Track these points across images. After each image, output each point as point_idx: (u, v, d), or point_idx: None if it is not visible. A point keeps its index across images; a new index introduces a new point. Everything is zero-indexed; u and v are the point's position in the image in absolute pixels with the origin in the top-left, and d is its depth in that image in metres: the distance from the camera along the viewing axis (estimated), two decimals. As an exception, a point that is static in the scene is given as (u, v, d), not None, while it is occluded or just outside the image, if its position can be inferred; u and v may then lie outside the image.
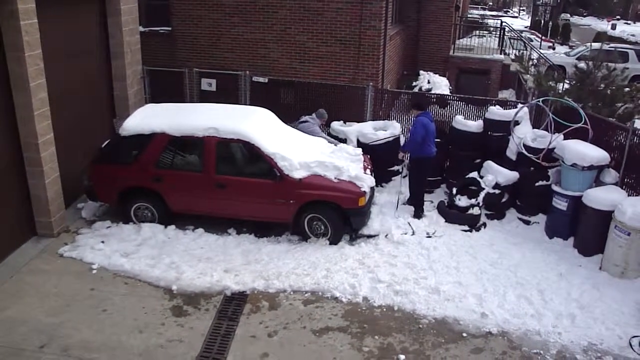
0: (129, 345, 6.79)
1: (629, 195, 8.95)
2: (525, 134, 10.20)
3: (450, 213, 9.86)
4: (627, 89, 12.22)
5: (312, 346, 6.91)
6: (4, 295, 7.58)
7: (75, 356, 6.58)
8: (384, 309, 7.61)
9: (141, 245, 8.73)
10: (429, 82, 16.38)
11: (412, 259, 8.59)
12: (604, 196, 8.79)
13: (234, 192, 8.90)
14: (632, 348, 7.06)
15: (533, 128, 10.65)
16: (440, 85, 16.15)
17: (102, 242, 8.81)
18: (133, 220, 9.36)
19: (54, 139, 8.82)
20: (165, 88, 12.42)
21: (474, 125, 10.84)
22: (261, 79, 12.25)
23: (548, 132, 9.93)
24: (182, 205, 9.22)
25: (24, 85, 8.20)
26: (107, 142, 9.79)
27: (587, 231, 9.01)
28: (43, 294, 7.66)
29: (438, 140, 10.33)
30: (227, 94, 12.07)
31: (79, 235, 9.08)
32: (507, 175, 10.03)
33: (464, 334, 7.21)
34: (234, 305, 7.59)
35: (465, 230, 9.62)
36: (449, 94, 14.63)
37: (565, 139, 9.71)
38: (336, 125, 11.22)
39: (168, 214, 9.29)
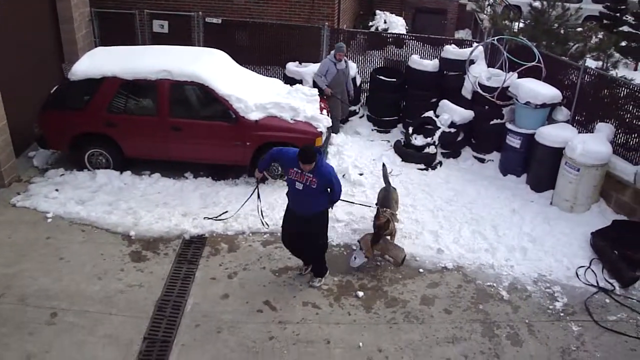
0: (88, 291, 6.77)
1: (579, 133, 9.17)
2: (481, 73, 10.27)
3: (407, 152, 9.97)
4: (580, 28, 12.37)
5: (271, 286, 7.01)
6: (-45, 248, 7.43)
7: (34, 305, 6.53)
8: (342, 248, 7.75)
9: (97, 192, 8.59)
10: (385, 22, 16.18)
11: (370, 198, 8.69)
12: (556, 133, 9.00)
13: (190, 136, 8.78)
14: (578, 277, 7.40)
15: (488, 67, 10.72)
16: (396, 25, 15.97)
17: (56, 190, 8.63)
18: (87, 167, 9.16)
19: (0, 86, 8.47)
20: (116, 31, 11.97)
21: (430, 64, 10.84)
22: (214, 20, 11.91)
23: (503, 70, 10.02)
24: (137, 150, 9.05)
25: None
26: (56, 87, 9.45)
27: (539, 168, 9.25)
28: (-4, 244, 7.53)
29: (394, 80, 10.32)
30: (180, 36, 11.72)
31: (31, 184, 8.87)
32: (463, 114, 10.13)
33: (421, 270, 7.42)
34: (193, 248, 7.61)
35: (422, 169, 9.77)
36: (405, 33, 14.53)
37: (519, 77, 9.82)
38: (291, 66, 11.07)
39: (123, 160, 9.12)
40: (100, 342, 6.09)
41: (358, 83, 11.23)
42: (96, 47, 11.12)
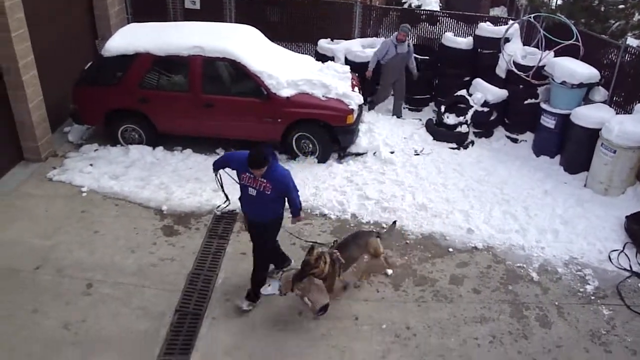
0: (122, 264, 6.91)
1: (617, 114, 8.96)
2: (516, 51, 10.07)
3: (439, 131, 9.88)
4: (621, 5, 11.97)
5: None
6: (-4, 219, 7.63)
7: (70, 276, 6.71)
8: (372, 226, 7.75)
9: (130, 167, 8.73)
10: (418, -1, 15.96)
11: (400, 176, 8.67)
12: (592, 114, 8.80)
13: (222, 112, 8.83)
14: (611, 261, 7.29)
15: (524, 45, 10.50)
16: (430, 1, 15.73)
17: (91, 165, 8.79)
18: (121, 143, 9.30)
19: (35, 62, 8.60)
20: (148, 7, 12.02)
21: (464, 42, 10.68)
22: (247, -4, 11.88)
23: (539, 49, 9.81)
24: (169, 126, 9.15)
25: (-2, 4, 7.92)
26: (89, 64, 9.57)
27: (573, 149, 9.09)
28: (34, 217, 7.71)
29: (426, 57, 10.18)
30: (211, 12, 11.71)
31: (66, 159, 9.04)
32: (496, 93, 9.98)
33: (450, 249, 7.39)
34: (223, 223, 7.69)
35: (453, 148, 9.68)
36: (439, 10, 14.28)
37: (555, 56, 9.61)
38: (323, 43, 11.01)
39: (156, 135, 9.23)
40: (134, 314, 6.24)
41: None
42: (129, 23, 11.20)
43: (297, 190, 6.10)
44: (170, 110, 8.96)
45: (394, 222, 7.09)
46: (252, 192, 5.90)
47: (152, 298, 6.44)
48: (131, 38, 9.12)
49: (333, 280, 6.26)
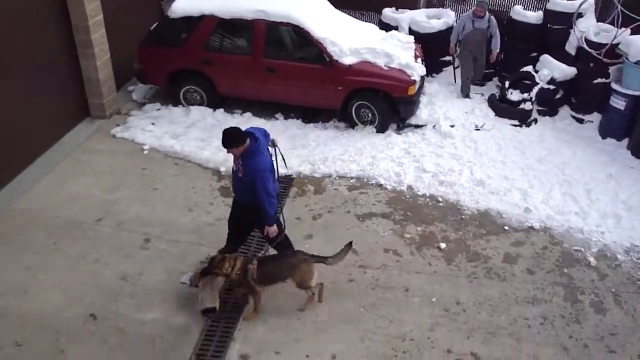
0: (179, 222, 7.10)
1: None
2: (589, 28, 9.64)
3: (501, 107, 9.64)
4: None
5: (355, 230, 7.10)
6: (62, 172, 7.96)
7: (129, 230, 6.95)
8: (428, 199, 7.70)
9: (190, 128, 8.89)
10: (488, -30, 15.47)
11: (459, 151, 8.55)
12: (667, 96, 8.41)
13: (283, 77, 8.87)
14: (676, 250, 7.02)
15: (597, 21, 10.06)
16: (500, -27, 15.23)
17: (153, 124, 9.00)
18: (182, 103, 9.48)
19: (104, 21, 8.80)
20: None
21: (534, 16, 10.30)
22: (312, -38, 11.74)
23: (614, 26, 9.37)
24: (231, 88, 9.25)
25: (72, -36, 8.12)
26: (155, 24, 9.73)
27: (643, 132, 8.72)
28: (98, 172, 7.99)
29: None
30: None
31: (130, 116, 9.29)
32: (564, 71, 9.63)
33: (506, 227, 7.27)
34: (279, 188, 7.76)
35: (515, 125, 9.43)
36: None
37: (632, 34, 9.15)
38: (388, 12, 10.82)
39: (217, 98, 9.36)
40: (189, 269, 6.40)
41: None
42: (195, -15, 11.26)
43: (272, 196, 5.63)
44: (232, 73, 9.05)
45: (350, 243, 6.05)
46: (234, 167, 5.78)
47: (208, 256, 6.59)
48: (197, 0, 9.19)
49: (249, 289, 5.80)
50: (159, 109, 9.44)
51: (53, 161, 8.12)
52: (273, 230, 5.85)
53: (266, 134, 5.96)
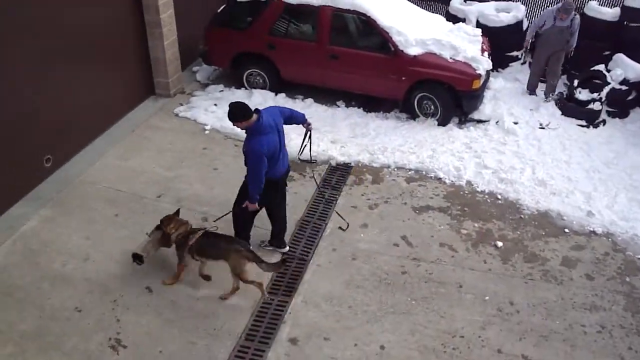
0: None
1: None
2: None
3: (568, 106, 9.34)
4: None
5: (411, 222, 7.05)
6: (126, 148, 8.18)
7: (187, 207, 7.07)
8: (487, 195, 7.56)
9: (252, 111, 8.96)
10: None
11: (522, 149, 8.34)
12: None
13: (347, 64, 8.84)
14: None
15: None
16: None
17: (215, 105, 9.12)
18: (245, 86, 9.57)
19: (173, 2, 8.96)
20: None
21: (609, 13, 9.92)
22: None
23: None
24: (294, 73, 9.29)
25: (146, -56, 8.28)
26: (223, 7, 9.84)
27: None
28: (160, 149, 8.18)
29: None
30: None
31: (193, 97, 9.45)
32: (639, 71, 9.25)
33: (566, 230, 7.07)
34: (337, 175, 7.79)
35: (582, 126, 9.12)
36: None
37: None
38: (456, 3, 10.62)
39: (279, 82, 9.41)
40: (244, 251, 6.49)
41: (524, 27, 10.56)
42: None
43: (259, 180, 5.69)
44: (296, 59, 9.09)
45: (284, 260, 6.06)
46: None
47: (263, 237, 6.66)
48: (262, -16, 9.25)
49: (181, 252, 5.96)
50: (221, 91, 9.56)
51: (118, 136, 8.36)
52: (252, 206, 5.94)
53: (292, 116, 6.02)
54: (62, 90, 7.48)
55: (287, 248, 6.57)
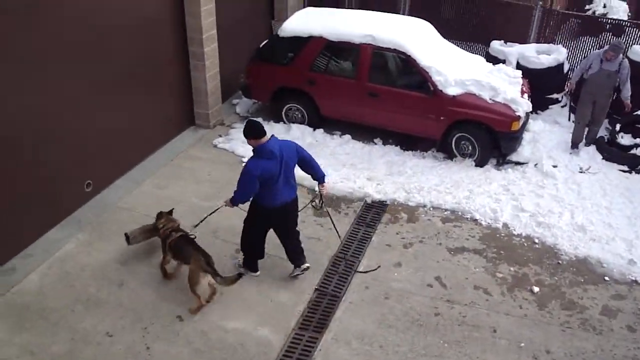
0: (270, 236, 7.09)
1: None
2: None
3: (610, 150, 9.18)
4: None
5: (445, 263, 6.95)
6: (165, 176, 8.31)
7: (221, 238, 7.14)
8: (524, 239, 7.42)
9: (289, 145, 9.04)
10: (604, 6, 14.84)
11: (561, 193, 8.20)
12: None
13: (385, 102, 8.87)
14: None
15: None
16: (617, 10, 14.55)
17: (253, 137, 9.21)
18: (284, 120, 9.67)
19: (217, 36, 9.18)
20: (324, -7, 12.36)
21: (654, 57, 9.77)
22: (422, -9, 11.77)
23: None
24: (332, 110, 9.36)
25: (193, -19, 8.54)
26: (265, 42, 10.04)
27: None
28: (198, 179, 8.28)
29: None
30: (384, 3, 11.76)
31: (232, 129, 9.57)
32: (685, 117, 9.08)
33: (606, 278, 6.88)
34: (373, 213, 7.76)
35: (624, 171, 8.94)
36: (627, 20, 13.21)
37: None
38: (496, 44, 10.63)
39: (318, 118, 9.49)
40: (276, 284, 6.51)
41: (565, 70, 10.49)
42: (305, 7, 11.56)
43: (241, 198, 6.07)
44: (335, 95, 9.17)
45: (239, 275, 6.10)
46: None
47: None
48: (306, 21, 9.41)
49: (163, 246, 6.45)
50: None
51: (157, 165, 8.51)
52: (228, 204, 6.24)
53: (309, 164, 6.25)
54: (106, 118, 7.67)
55: (307, 265, 6.60)
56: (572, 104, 9.93)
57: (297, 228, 6.55)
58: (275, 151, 5.82)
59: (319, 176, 6.34)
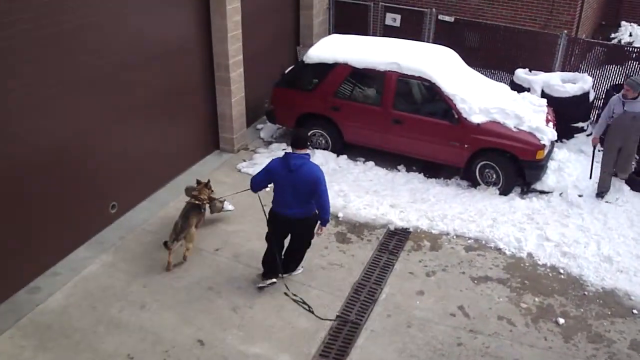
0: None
1: None
2: None
3: (637, 181, 9.05)
4: None
5: (468, 292, 6.87)
6: (189, 199, 8.36)
7: (244, 263, 7.15)
8: (549, 269, 7.32)
9: (312, 170, 9.06)
10: (630, 35, 14.76)
11: (586, 222, 8.08)
12: None
13: (409, 130, 8.90)
14: None
15: None
16: (644, 38, 14.50)
17: (277, 162, 9.27)
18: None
19: (243, 61, 9.31)
20: (350, 20, 12.49)
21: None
22: (447, 18, 11.83)
23: None
24: (356, 136, 9.40)
25: (221, 8, 8.71)
26: (290, 68, 10.15)
27: None
28: (222, 203, 8.31)
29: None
30: (410, 31, 11.86)
31: (256, 153, 9.66)
32: None
33: (635, 311, 6.73)
34: (395, 240, 7.72)
35: (652, 202, 8.79)
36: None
37: None
38: (521, 73, 10.62)
39: (342, 144, 9.54)
40: (297, 310, 6.47)
41: (590, 99, 10.42)
42: (330, 34, 11.69)
43: (254, 179, 6.62)
44: (360, 121, 9.21)
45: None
46: None
47: (316, 298, 6.63)
48: (332, 48, 9.52)
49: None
50: (284, 149, 9.72)
51: (181, 188, 8.51)
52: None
53: (316, 200, 6.41)
54: (132, 141, 7.81)
55: (300, 269, 7.07)
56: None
57: (304, 248, 6.88)
58: (290, 162, 6.22)
59: (320, 217, 6.47)
